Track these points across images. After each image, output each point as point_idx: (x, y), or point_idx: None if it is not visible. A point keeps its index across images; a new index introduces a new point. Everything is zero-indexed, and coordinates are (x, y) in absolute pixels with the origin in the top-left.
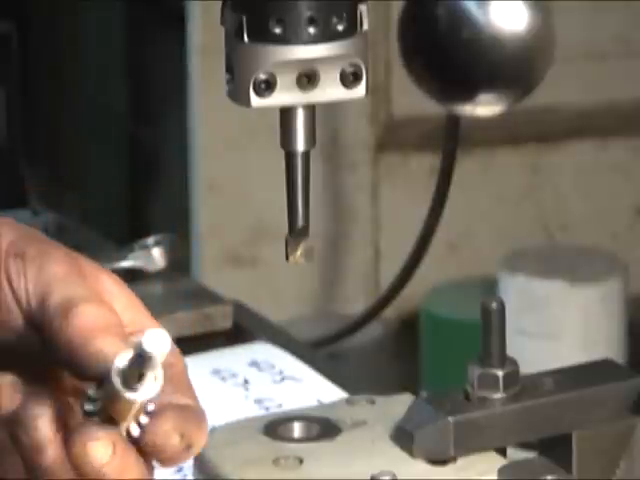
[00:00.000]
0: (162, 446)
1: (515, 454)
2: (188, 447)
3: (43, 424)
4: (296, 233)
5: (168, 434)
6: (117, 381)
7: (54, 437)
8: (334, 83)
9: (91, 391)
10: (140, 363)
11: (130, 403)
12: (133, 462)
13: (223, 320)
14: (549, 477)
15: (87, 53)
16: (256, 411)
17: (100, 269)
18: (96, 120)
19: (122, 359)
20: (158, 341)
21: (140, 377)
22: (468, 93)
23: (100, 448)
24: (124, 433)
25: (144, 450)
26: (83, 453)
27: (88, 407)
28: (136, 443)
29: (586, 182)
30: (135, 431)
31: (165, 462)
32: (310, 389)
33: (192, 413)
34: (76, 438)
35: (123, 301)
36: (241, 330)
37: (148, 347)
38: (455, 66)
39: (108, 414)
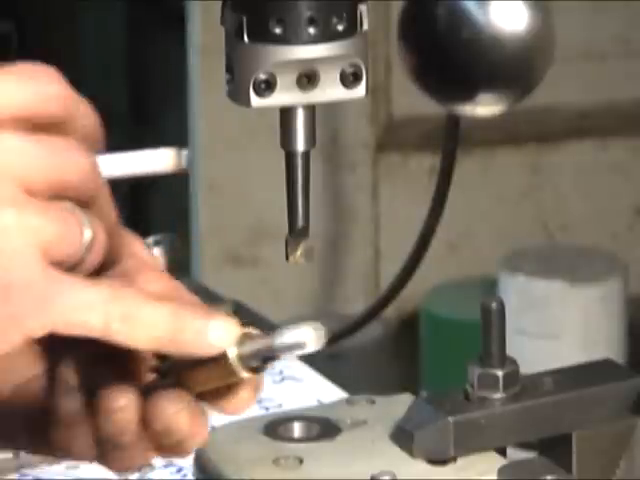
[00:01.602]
0: (230, 406)
1: (515, 454)
2: (256, 389)
3: (127, 412)
4: (296, 233)
5: (234, 393)
6: (235, 359)
7: (136, 420)
8: (334, 83)
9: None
10: (282, 350)
11: (234, 379)
12: (204, 418)
13: None
14: (549, 477)
15: (87, 53)
16: (256, 411)
17: (133, 239)
18: None
19: (244, 338)
20: (318, 337)
21: (265, 360)
22: (468, 93)
23: (180, 421)
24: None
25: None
26: (164, 430)
27: (164, 366)
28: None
29: (586, 182)
30: None
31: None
32: (310, 389)
33: None
34: (156, 415)
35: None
36: None
37: (310, 343)
38: (455, 66)
39: (182, 372)
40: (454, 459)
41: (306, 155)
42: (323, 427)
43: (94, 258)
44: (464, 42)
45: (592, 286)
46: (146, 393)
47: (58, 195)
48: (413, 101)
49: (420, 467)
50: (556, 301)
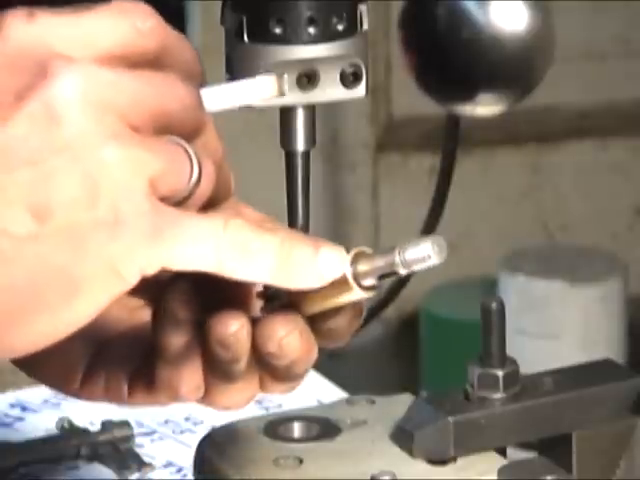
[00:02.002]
0: (339, 326)
1: (515, 454)
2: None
3: (240, 336)
4: None
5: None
6: (350, 277)
7: (249, 345)
8: (334, 83)
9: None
10: (404, 266)
11: (347, 298)
12: (314, 342)
13: None
14: (549, 477)
15: None
16: (256, 411)
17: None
18: None
19: (359, 256)
20: (441, 250)
21: (381, 277)
22: (468, 93)
23: (293, 342)
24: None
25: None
26: (277, 352)
27: (270, 291)
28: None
29: (586, 182)
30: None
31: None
32: (310, 389)
33: None
34: (269, 336)
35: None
36: None
37: (433, 256)
38: (455, 66)
39: (290, 295)
40: (454, 459)
41: (306, 155)
42: (323, 427)
43: (202, 192)
44: (464, 42)
45: (592, 286)
46: (255, 318)
47: (162, 129)
48: (413, 101)
49: (420, 467)
50: (556, 301)
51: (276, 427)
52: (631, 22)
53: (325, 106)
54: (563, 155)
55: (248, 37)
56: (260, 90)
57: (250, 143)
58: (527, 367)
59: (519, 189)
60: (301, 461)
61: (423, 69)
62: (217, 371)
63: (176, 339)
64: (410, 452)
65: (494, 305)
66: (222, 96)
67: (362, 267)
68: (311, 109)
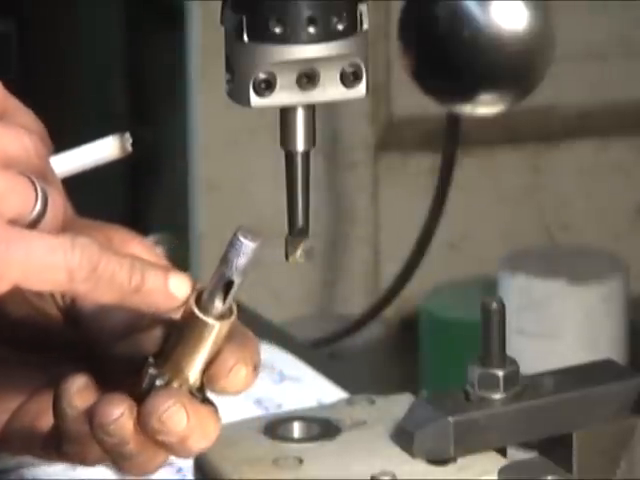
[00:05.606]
0: (232, 384)
1: (515, 454)
2: (255, 369)
3: (121, 422)
4: (296, 233)
5: (235, 371)
6: (195, 306)
7: (132, 428)
8: (334, 83)
9: (151, 359)
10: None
11: (208, 331)
12: (207, 414)
13: None
14: (549, 477)
15: (87, 53)
16: (256, 411)
17: (130, 237)
18: (96, 120)
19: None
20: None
21: (225, 292)
22: (468, 93)
23: (175, 416)
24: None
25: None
26: (161, 428)
27: (152, 371)
28: (200, 391)
29: (586, 182)
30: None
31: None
32: (310, 389)
33: (242, 333)
34: (150, 414)
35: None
36: None
37: (245, 242)
38: (455, 66)
39: (170, 376)
40: (454, 459)
41: (306, 155)
42: (323, 427)
43: (49, 223)
44: (464, 42)
45: (593, 286)
46: (140, 399)
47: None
48: (413, 101)
49: (420, 467)
50: (556, 301)
51: (276, 427)
52: (631, 22)
53: (325, 106)
54: (563, 155)
55: (248, 37)
56: (104, 152)
57: (250, 143)
58: (527, 367)
59: (519, 189)
60: (301, 461)
61: (423, 69)
62: (110, 452)
63: (74, 425)
64: (410, 452)
65: (494, 305)
66: (69, 161)
67: (204, 297)
68: (311, 109)
